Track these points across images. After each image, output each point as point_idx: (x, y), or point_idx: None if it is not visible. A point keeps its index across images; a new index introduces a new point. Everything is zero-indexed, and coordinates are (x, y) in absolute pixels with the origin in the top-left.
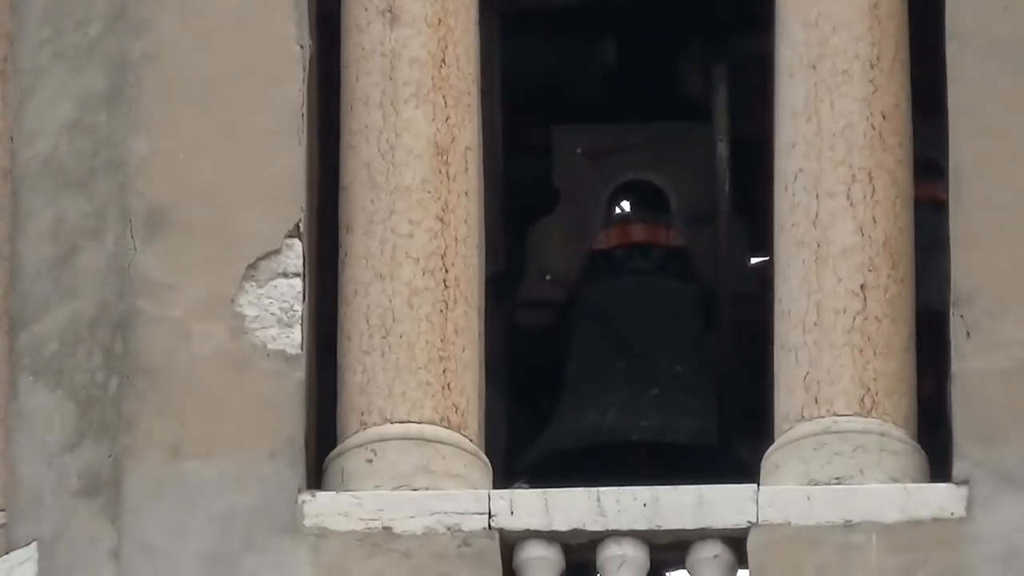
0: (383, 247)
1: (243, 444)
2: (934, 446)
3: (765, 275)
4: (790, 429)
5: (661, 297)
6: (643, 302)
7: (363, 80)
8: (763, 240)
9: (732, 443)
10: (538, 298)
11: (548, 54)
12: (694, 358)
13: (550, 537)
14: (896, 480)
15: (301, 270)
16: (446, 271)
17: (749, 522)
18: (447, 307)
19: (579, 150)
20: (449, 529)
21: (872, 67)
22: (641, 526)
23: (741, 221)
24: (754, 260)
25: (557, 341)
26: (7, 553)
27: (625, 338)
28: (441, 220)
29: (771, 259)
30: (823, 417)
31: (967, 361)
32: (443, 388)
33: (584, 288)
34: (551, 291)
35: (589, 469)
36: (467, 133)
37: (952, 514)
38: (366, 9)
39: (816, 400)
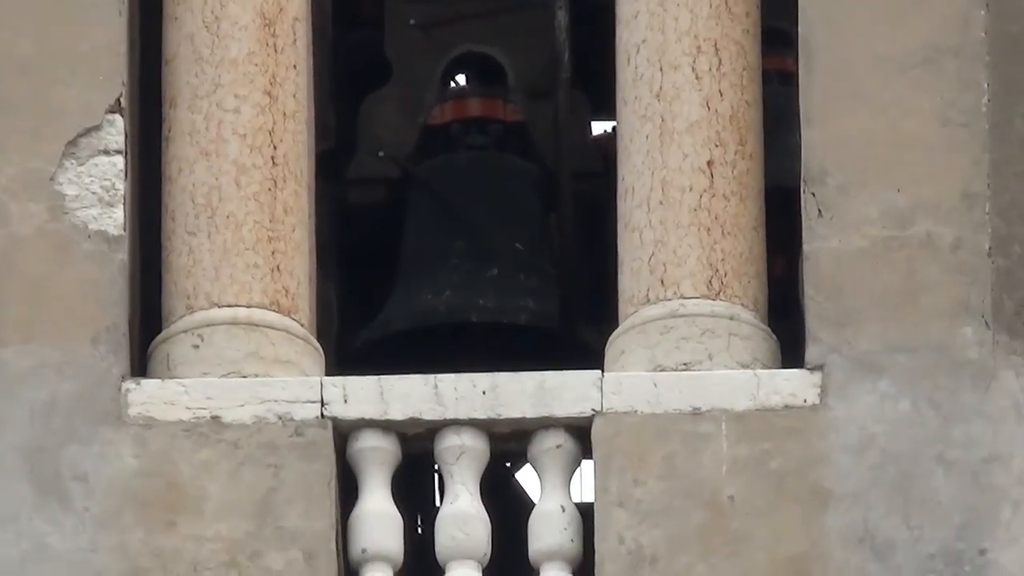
0: (208, 123)
1: (63, 330)
2: (786, 330)
3: (607, 151)
4: (635, 313)
5: (499, 173)
6: (480, 178)
7: None
8: (605, 114)
9: (575, 326)
10: (370, 175)
11: None
12: (534, 237)
13: (385, 426)
14: (746, 366)
15: (123, 147)
16: (274, 148)
17: (593, 410)
18: (276, 186)
19: (412, 21)
20: (280, 418)
21: None
22: (480, 415)
23: (582, 95)
24: (596, 131)
25: (391, 220)
26: None
27: (462, 215)
28: (269, 95)
29: (613, 133)
30: (669, 300)
31: (819, 241)
32: (272, 270)
33: (418, 164)
34: (384, 168)
35: (425, 351)
36: (295, 3)
37: (805, 401)
38: None
39: (662, 282)
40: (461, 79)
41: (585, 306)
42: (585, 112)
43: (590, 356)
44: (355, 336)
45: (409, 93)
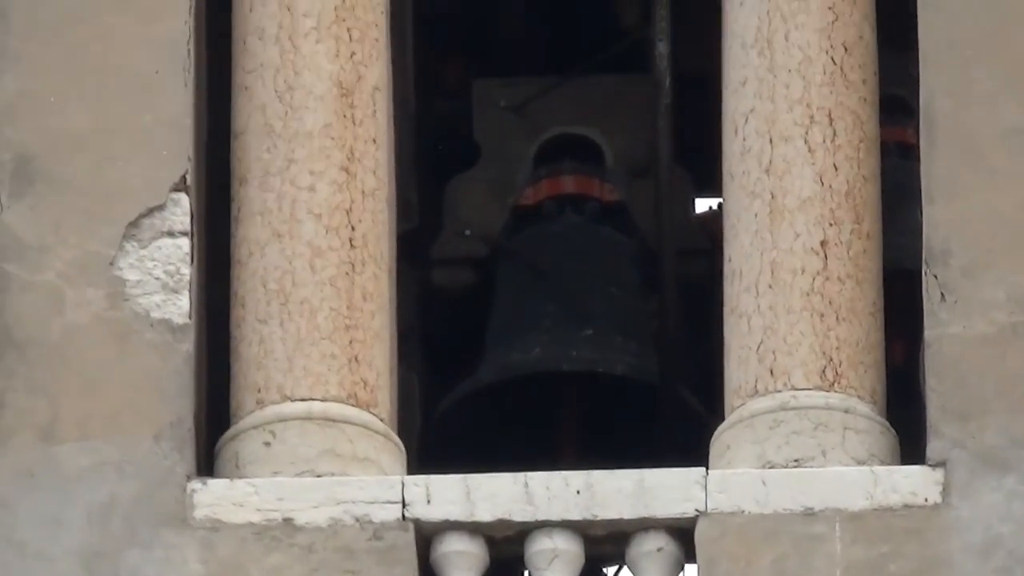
0: (281, 202)
1: (124, 426)
2: (905, 423)
3: (712, 229)
4: (742, 405)
5: (596, 244)
6: (577, 250)
7: (258, 11)
8: (711, 192)
9: (677, 388)
10: (456, 255)
11: None
12: (633, 314)
13: (472, 529)
14: (863, 462)
15: (188, 228)
16: (352, 228)
17: (697, 511)
18: (354, 269)
19: (502, 103)
20: (358, 520)
21: None
22: (575, 516)
23: (685, 172)
24: (700, 209)
25: (478, 303)
26: None
27: (556, 283)
28: (346, 171)
29: (719, 211)
30: (779, 391)
31: (942, 327)
32: (350, 361)
33: (510, 239)
34: (470, 247)
35: (511, 409)
36: (375, 72)
37: (926, 500)
38: None
39: (771, 372)
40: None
41: (689, 391)
42: (688, 190)
43: (694, 419)
44: (439, 432)
45: (498, 174)
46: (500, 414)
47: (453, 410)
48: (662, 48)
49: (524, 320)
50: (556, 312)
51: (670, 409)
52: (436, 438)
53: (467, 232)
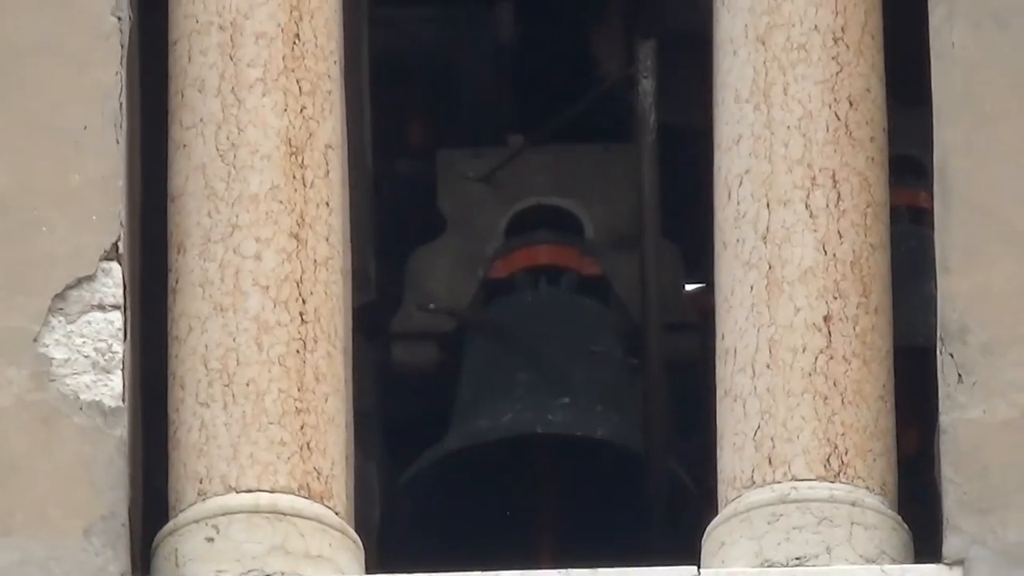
0: (224, 272)
1: (51, 520)
2: (919, 518)
3: (704, 305)
4: (738, 497)
5: (575, 315)
6: (553, 319)
7: (197, 60)
8: (702, 264)
9: (664, 457)
10: (419, 329)
11: (429, 27)
12: (615, 385)
13: None
14: (872, 561)
15: (121, 301)
16: (303, 302)
17: None
18: (305, 347)
19: (470, 174)
20: None
21: (836, 41)
22: None
23: (673, 246)
24: (689, 287)
25: (443, 383)
26: None
27: (530, 352)
28: (296, 238)
29: (711, 285)
30: (779, 482)
31: (959, 411)
32: (301, 448)
33: (478, 311)
34: (435, 321)
35: (480, 480)
36: (328, 128)
37: None
38: None
39: (770, 461)
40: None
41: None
42: (677, 262)
43: (683, 495)
44: (399, 525)
45: (466, 246)
46: (469, 497)
47: (414, 487)
48: (647, 85)
49: (495, 390)
50: (530, 381)
51: (657, 481)
52: (397, 531)
53: (431, 306)
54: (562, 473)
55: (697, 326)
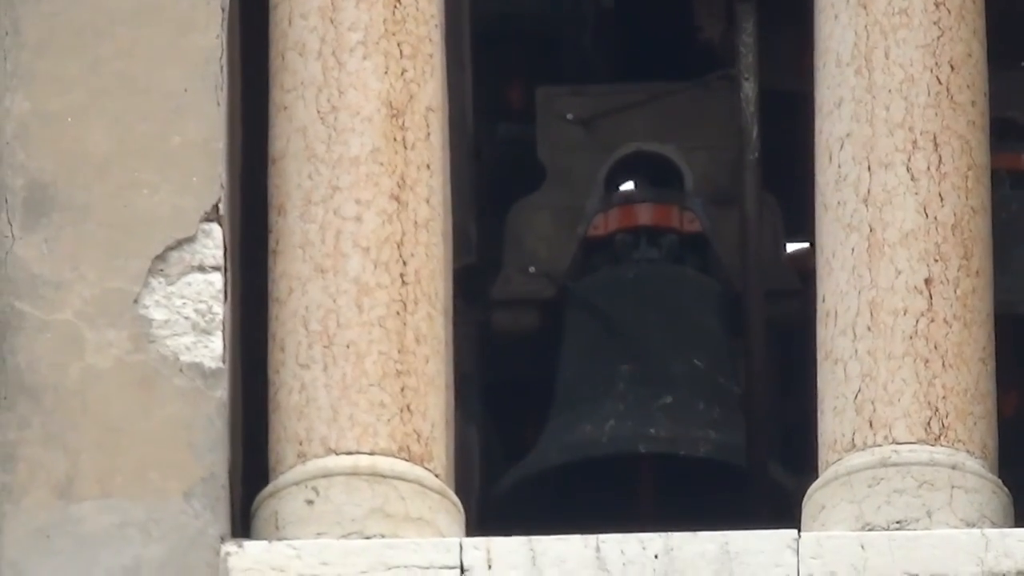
0: (324, 234)
1: (150, 482)
2: (1019, 482)
3: (804, 266)
4: (838, 461)
5: (674, 288)
6: (652, 293)
7: (298, 24)
8: (801, 224)
9: (766, 464)
10: (519, 295)
11: None
12: (716, 364)
13: None
14: (972, 524)
15: (221, 262)
16: (404, 263)
17: None
18: (405, 309)
19: (569, 116)
20: None
21: (937, 5)
22: None
23: (773, 200)
24: (791, 247)
25: (543, 348)
26: None
27: (630, 337)
28: (397, 200)
29: (812, 246)
30: (879, 446)
31: None
32: (401, 411)
33: (578, 280)
34: (536, 286)
35: (583, 493)
36: (428, 91)
37: None
38: None
39: (870, 424)
40: (629, 183)
41: (777, 449)
42: (778, 220)
43: (785, 502)
44: (501, 487)
45: (566, 200)
46: (570, 494)
47: (517, 489)
48: (749, 58)
49: (596, 383)
50: (631, 375)
51: (759, 487)
52: (498, 495)
53: (532, 269)
54: (662, 479)
55: (798, 291)
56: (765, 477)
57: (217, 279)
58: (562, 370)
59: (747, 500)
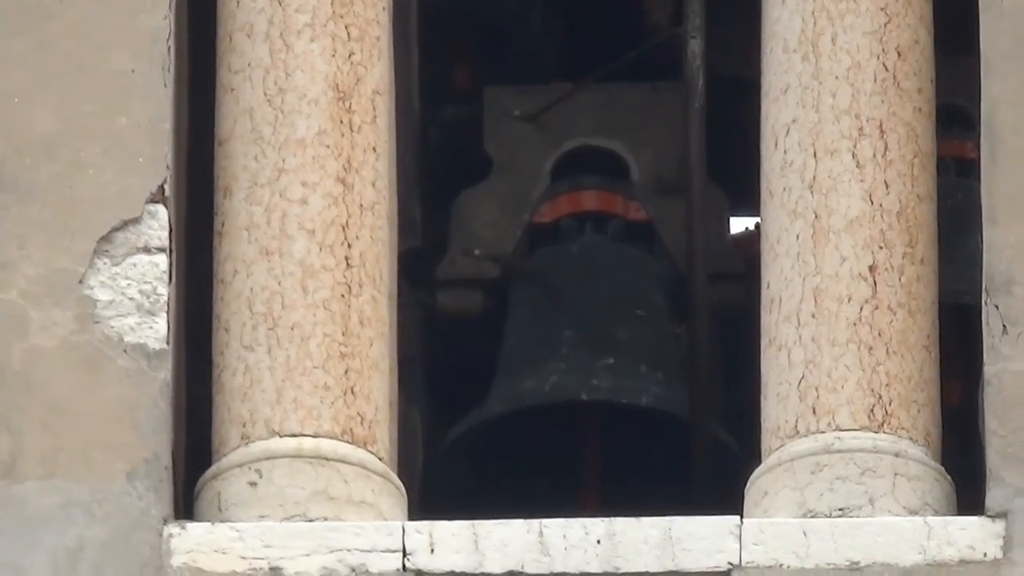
0: (270, 216)
1: (94, 463)
2: (962, 470)
3: (749, 252)
4: (781, 447)
5: (620, 266)
6: (598, 270)
7: (246, 5)
8: (748, 211)
9: (708, 421)
10: (464, 276)
11: None
12: (660, 341)
13: None
14: (915, 512)
15: (166, 244)
16: (348, 246)
17: (730, 564)
18: (350, 291)
19: (516, 112)
20: (353, 570)
21: None
22: (594, 568)
23: (719, 189)
24: (735, 231)
25: (488, 331)
26: None
27: (575, 306)
28: (342, 182)
29: (756, 231)
30: (823, 432)
31: (1003, 363)
32: (345, 393)
33: (524, 258)
34: (480, 268)
35: (523, 442)
36: (376, 73)
37: (985, 555)
38: None
39: (814, 411)
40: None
41: (721, 426)
42: (723, 208)
43: (728, 458)
44: (443, 471)
45: (512, 189)
46: (513, 451)
47: (459, 446)
48: (695, 47)
49: (539, 346)
50: (574, 338)
51: (701, 446)
52: (440, 479)
53: (477, 252)
54: (606, 435)
55: (742, 275)
56: (707, 433)
57: (162, 260)
58: (506, 339)
59: (690, 462)
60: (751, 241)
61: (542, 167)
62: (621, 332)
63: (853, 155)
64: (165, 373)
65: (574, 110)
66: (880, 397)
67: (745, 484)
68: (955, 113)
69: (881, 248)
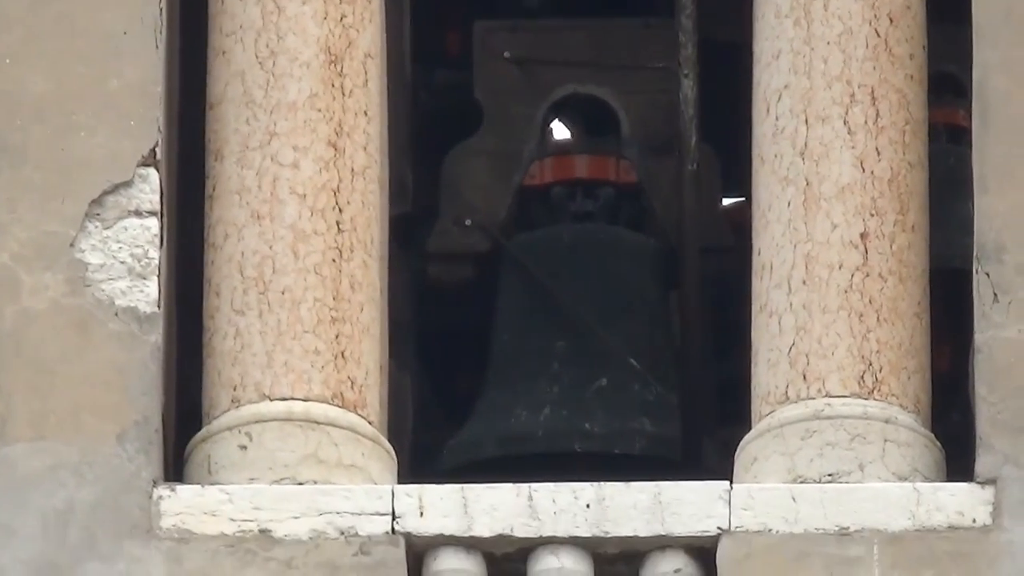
0: (261, 180)
1: (84, 425)
2: (952, 436)
3: (741, 220)
4: (771, 413)
5: (610, 252)
6: (588, 259)
7: None
8: (738, 176)
9: (699, 445)
10: (455, 249)
11: None
12: (652, 329)
13: (469, 544)
14: (904, 478)
15: (158, 207)
16: (340, 211)
17: (720, 528)
18: (341, 256)
19: (507, 54)
20: (343, 533)
21: None
22: (583, 532)
23: (711, 150)
24: (727, 201)
25: (478, 299)
26: None
27: (565, 308)
28: (334, 147)
29: (748, 200)
30: (813, 399)
31: (994, 330)
32: (336, 357)
33: (513, 238)
34: (471, 239)
35: (520, 475)
36: (367, 37)
37: (974, 521)
38: None
39: (804, 377)
40: (564, 129)
41: (710, 406)
42: (714, 171)
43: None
44: (433, 435)
45: (502, 145)
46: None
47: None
48: (686, 22)
49: (530, 358)
50: (565, 351)
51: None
52: (430, 443)
53: (467, 222)
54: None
55: (732, 247)
56: (700, 464)
57: (153, 224)
58: (496, 337)
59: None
60: (742, 209)
61: (532, 116)
62: (613, 338)
63: (844, 122)
64: (156, 336)
65: (564, 55)
66: (870, 364)
67: (736, 446)
68: (947, 80)
69: (872, 215)
